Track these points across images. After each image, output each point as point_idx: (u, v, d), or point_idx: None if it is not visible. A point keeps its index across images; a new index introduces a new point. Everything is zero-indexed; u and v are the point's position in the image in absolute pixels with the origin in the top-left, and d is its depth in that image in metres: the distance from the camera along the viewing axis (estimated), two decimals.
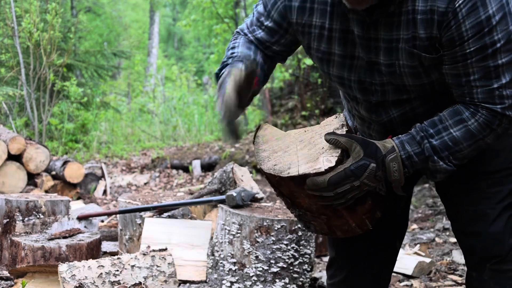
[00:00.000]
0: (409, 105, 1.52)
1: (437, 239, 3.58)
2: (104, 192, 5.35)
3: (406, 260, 3.00)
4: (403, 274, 2.97)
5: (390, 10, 1.36)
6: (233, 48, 1.62)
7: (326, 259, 3.31)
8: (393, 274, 2.96)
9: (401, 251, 3.15)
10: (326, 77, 1.62)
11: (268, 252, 2.38)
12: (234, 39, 1.66)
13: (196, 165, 6.08)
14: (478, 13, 1.28)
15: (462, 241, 1.60)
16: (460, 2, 1.29)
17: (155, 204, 2.91)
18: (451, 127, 1.38)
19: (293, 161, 1.41)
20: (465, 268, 3.06)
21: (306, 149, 1.43)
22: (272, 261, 2.39)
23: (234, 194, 2.54)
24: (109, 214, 3.33)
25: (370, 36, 1.41)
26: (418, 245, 3.37)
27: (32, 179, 4.84)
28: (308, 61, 6.84)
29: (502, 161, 1.51)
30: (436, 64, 1.39)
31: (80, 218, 3.05)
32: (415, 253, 3.16)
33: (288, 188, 1.46)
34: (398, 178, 1.37)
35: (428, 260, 2.99)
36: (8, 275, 2.74)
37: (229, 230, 2.46)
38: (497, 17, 1.28)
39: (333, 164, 1.34)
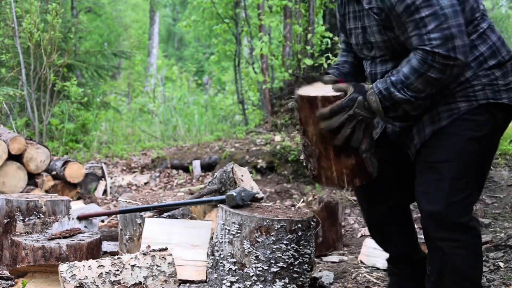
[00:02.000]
0: (389, 66, 2.01)
1: None
2: (104, 192, 5.36)
3: None
4: None
5: None
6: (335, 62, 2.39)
7: (326, 259, 3.32)
8: None
9: None
10: (354, 48, 2.21)
11: (268, 252, 2.39)
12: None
13: (196, 165, 6.08)
14: None
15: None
16: None
17: (155, 204, 2.91)
18: (403, 67, 1.85)
19: (314, 93, 2.02)
20: None
21: (324, 90, 2.03)
22: (272, 261, 2.39)
23: (234, 194, 2.55)
24: (109, 214, 3.34)
25: (356, 9, 2.04)
26: None
27: (32, 179, 4.85)
28: (308, 61, 6.84)
29: (446, 152, 1.90)
30: (387, 26, 1.91)
31: (80, 218, 3.06)
32: None
33: (304, 113, 2.02)
34: (377, 108, 1.88)
35: None
36: (9, 274, 2.75)
37: (229, 230, 2.46)
38: None
39: (336, 95, 1.95)
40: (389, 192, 2.19)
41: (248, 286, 2.40)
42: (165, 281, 2.40)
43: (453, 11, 1.74)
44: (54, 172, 5.02)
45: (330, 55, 6.63)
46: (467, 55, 1.77)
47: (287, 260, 2.40)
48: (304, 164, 2.13)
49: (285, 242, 2.40)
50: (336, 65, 2.29)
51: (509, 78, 1.90)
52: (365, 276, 2.97)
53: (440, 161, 1.89)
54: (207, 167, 6.12)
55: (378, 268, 3.10)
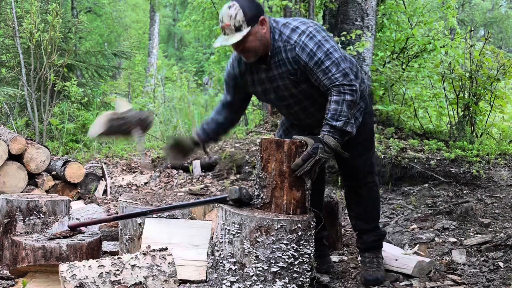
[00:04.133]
0: (305, 104, 2.79)
1: (436, 239, 3.59)
2: (105, 192, 5.36)
3: (406, 259, 3.01)
4: (403, 274, 2.97)
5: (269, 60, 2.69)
6: None
7: None
8: (392, 273, 2.98)
9: (400, 250, 3.16)
10: (265, 102, 3.23)
11: (268, 251, 2.39)
12: None
13: (196, 165, 6.08)
14: (307, 48, 2.59)
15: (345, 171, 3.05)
16: (297, 50, 2.60)
17: (151, 208, 2.87)
18: (329, 107, 2.56)
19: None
20: (465, 268, 3.06)
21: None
22: (272, 261, 2.39)
23: (237, 188, 2.57)
24: (102, 222, 3.26)
25: (265, 76, 2.75)
26: (418, 245, 3.38)
27: (32, 179, 4.85)
28: None
29: (363, 134, 2.87)
30: (300, 81, 2.68)
31: (71, 228, 2.93)
32: (415, 252, 3.16)
33: (268, 152, 2.54)
34: (335, 144, 2.53)
35: (427, 260, 3.00)
36: (9, 274, 2.75)
37: (229, 230, 2.47)
38: (314, 48, 2.59)
39: (300, 139, 2.55)
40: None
41: (248, 286, 2.40)
42: (165, 281, 2.40)
43: (341, 60, 2.59)
44: (54, 172, 5.02)
45: None
46: (357, 83, 2.63)
47: (287, 260, 2.40)
48: (255, 194, 2.60)
49: (285, 242, 2.40)
50: (206, 124, 2.97)
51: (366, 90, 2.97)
52: None
53: (362, 140, 2.88)
54: (207, 167, 6.13)
55: None
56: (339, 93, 2.54)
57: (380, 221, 4.11)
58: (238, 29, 2.55)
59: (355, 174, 2.96)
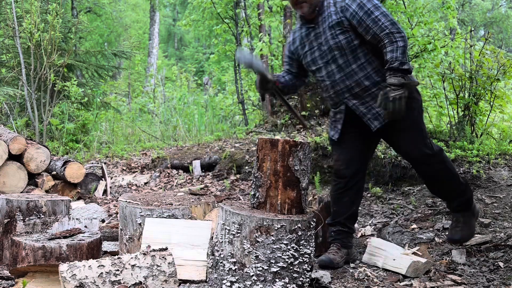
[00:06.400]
0: (340, 61, 3.03)
1: (436, 238, 3.59)
2: (105, 192, 5.36)
3: (402, 260, 3.01)
4: (404, 275, 2.97)
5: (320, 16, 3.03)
6: None
7: None
8: (391, 273, 2.98)
9: (400, 250, 3.16)
10: (308, 64, 3.23)
11: (268, 251, 2.39)
12: None
13: (196, 165, 6.08)
14: (358, 0, 2.91)
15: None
16: (347, 1, 2.92)
17: None
18: (389, 54, 2.85)
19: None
20: (465, 268, 3.07)
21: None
22: (272, 261, 2.40)
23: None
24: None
25: (312, 33, 3.09)
26: (417, 246, 3.38)
27: (32, 179, 4.85)
28: None
29: (411, 119, 3.00)
30: (343, 31, 2.96)
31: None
32: (414, 253, 3.16)
33: (264, 152, 2.57)
34: (398, 80, 2.86)
35: (423, 260, 3.00)
36: (9, 274, 2.75)
37: (229, 230, 2.47)
38: (364, 0, 2.90)
39: (294, 139, 2.61)
40: (358, 156, 3.18)
41: (248, 286, 2.41)
42: (165, 281, 2.40)
43: (388, 13, 2.90)
44: (54, 172, 5.02)
45: None
46: (403, 30, 2.89)
47: (287, 260, 2.40)
48: (251, 193, 2.64)
49: (285, 242, 2.40)
50: (280, 74, 3.28)
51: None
52: (365, 276, 2.98)
53: (410, 124, 3.02)
54: (207, 167, 6.13)
55: (378, 268, 3.11)
56: (391, 43, 2.84)
57: (380, 220, 4.13)
58: None
59: (410, 160, 3.14)
